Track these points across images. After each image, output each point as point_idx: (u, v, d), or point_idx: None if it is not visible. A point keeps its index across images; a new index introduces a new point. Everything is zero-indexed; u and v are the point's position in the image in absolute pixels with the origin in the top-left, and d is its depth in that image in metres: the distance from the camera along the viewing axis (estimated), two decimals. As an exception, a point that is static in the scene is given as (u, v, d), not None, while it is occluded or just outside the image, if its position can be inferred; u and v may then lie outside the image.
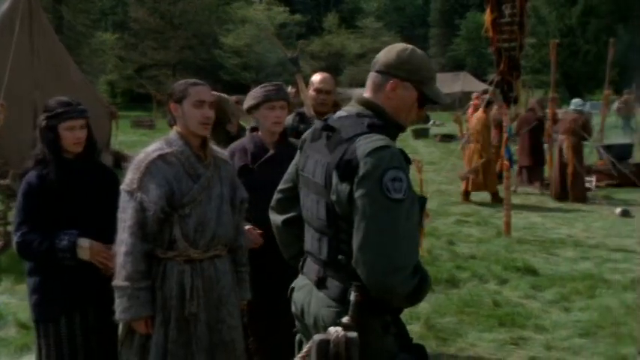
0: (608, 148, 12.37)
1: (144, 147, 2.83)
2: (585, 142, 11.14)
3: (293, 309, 2.26)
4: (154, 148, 2.75)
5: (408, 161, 1.99)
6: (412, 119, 2.15)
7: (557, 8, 45.31)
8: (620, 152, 12.20)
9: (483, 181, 10.21)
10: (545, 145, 11.67)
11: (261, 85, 3.53)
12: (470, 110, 11.31)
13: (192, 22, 45.20)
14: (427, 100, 2.10)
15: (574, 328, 4.92)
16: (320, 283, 2.08)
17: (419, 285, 1.89)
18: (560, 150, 10.48)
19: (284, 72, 39.20)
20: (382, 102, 2.09)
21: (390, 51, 2.12)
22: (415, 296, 1.92)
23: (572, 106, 10.95)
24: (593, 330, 4.86)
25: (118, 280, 2.68)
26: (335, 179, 1.97)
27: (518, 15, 7.60)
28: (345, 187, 1.93)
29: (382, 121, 2.05)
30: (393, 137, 2.07)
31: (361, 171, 1.89)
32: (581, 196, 10.41)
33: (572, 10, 44.97)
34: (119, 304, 2.68)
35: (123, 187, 2.73)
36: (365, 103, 2.11)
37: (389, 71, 2.08)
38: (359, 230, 1.88)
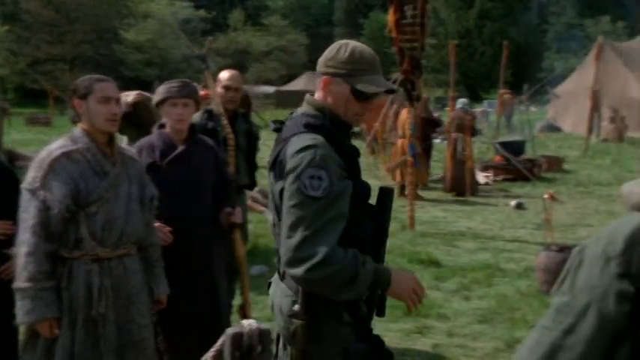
0: (504, 144, 13.06)
1: (40, 145, 2.74)
2: (483, 139, 11.69)
3: (269, 302, 2.30)
4: (58, 146, 2.66)
5: (353, 156, 2.07)
6: (358, 113, 2.15)
7: (455, 11, 47.22)
8: (515, 148, 12.91)
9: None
10: (445, 142, 12.14)
11: (167, 82, 3.51)
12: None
13: (90, 15, 43.36)
14: (361, 93, 2.09)
15: (474, 315, 5.17)
16: (282, 276, 2.15)
17: (333, 274, 1.91)
18: (455, 146, 10.90)
19: (189, 68, 38.45)
20: (323, 101, 2.13)
21: (325, 50, 2.17)
22: (335, 285, 1.93)
23: (458, 105, 11.43)
24: (490, 316, 5.12)
25: (19, 282, 2.57)
26: (271, 179, 2.06)
27: (420, 16, 7.85)
28: (278, 186, 2.02)
29: (326, 119, 2.09)
30: (341, 135, 2.10)
31: (286, 169, 1.97)
32: (475, 189, 10.93)
33: (469, 13, 47.02)
34: (21, 307, 2.56)
35: (24, 185, 2.62)
36: (311, 103, 2.15)
37: (320, 69, 2.13)
38: (282, 225, 1.97)
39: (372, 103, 2.17)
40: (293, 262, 1.91)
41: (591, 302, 1.00)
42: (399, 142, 10.65)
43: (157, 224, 3.09)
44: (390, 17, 8.07)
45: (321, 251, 1.89)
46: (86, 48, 42.18)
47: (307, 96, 2.19)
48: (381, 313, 2.17)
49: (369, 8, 56.95)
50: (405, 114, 10.54)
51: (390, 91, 2.22)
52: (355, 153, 2.12)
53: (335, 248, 1.91)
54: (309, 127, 2.04)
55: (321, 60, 2.14)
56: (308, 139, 1.99)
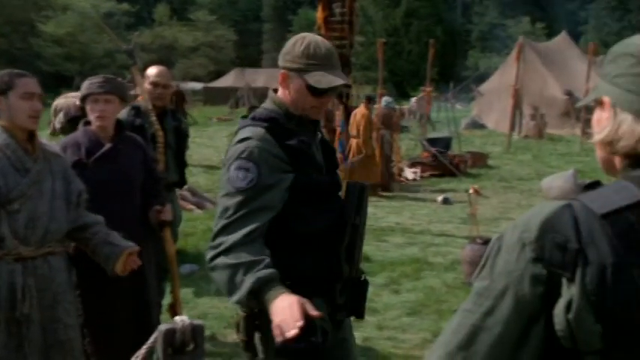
0: (431, 141, 13.39)
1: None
2: (411, 136, 11.94)
3: None
4: (-26, 143, 2.56)
5: (301, 150, 2.05)
6: (315, 107, 2.12)
7: (383, 9, 47.97)
8: (442, 145, 13.26)
9: (366, 174, 10.48)
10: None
11: (90, 78, 3.43)
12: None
13: (4, 6, 41.37)
14: (315, 88, 2.06)
15: (403, 308, 5.29)
16: None
17: (226, 267, 1.90)
18: (383, 143, 11.07)
19: (112, 64, 37.41)
20: (283, 94, 2.12)
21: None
22: (226, 280, 1.91)
23: (383, 103, 11.64)
24: (419, 309, 5.25)
25: None
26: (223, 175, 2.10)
27: (348, 14, 7.95)
28: None
29: (277, 112, 2.09)
30: (295, 128, 2.09)
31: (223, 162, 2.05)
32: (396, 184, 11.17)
33: (396, 11, 47.87)
34: None
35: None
36: (270, 97, 2.16)
37: (279, 64, 2.13)
38: None
39: (329, 97, 2.16)
40: (209, 250, 1.96)
41: (509, 285, 1.07)
42: (354, 142, 10.68)
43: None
44: (319, 14, 8.12)
45: (230, 240, 1.91)
46: (0, 41, 40.24)
47: (270, 91, 2.19)
48: (359, 315, 2.17)
49: (297, 5, 57.04)
50: (359, 114, 10.55)
51: (347, 86, 2.24)
52: (307, 147, 2.08)
53: (247, 241, 1.91)
54: (255, 120, 2.07)
55: (280, 54, 2.14)
56: (247, 132, 2.02)
